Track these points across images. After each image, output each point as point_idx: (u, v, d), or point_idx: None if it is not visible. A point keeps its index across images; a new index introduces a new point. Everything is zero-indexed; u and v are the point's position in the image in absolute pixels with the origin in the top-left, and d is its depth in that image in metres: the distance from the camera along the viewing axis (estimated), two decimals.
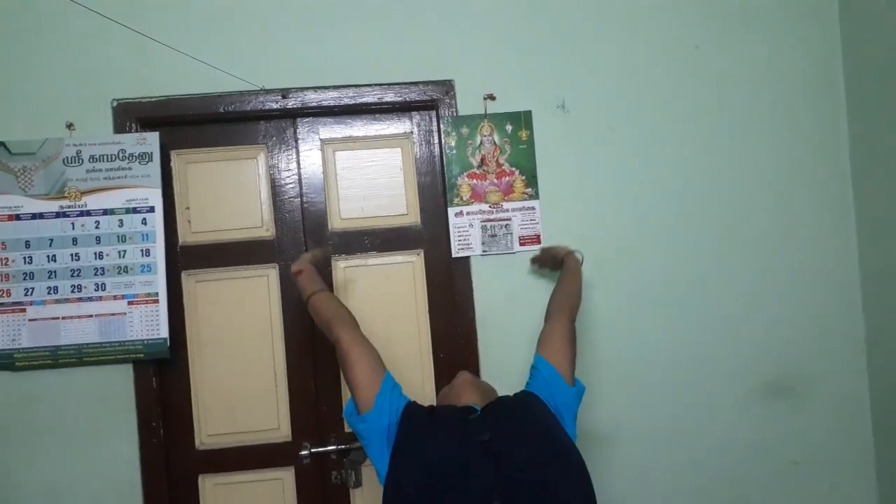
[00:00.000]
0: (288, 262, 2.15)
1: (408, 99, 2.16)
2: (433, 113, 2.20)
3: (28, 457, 2.03)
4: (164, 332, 2.04)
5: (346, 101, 2.14)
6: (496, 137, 2.16)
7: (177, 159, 2.16)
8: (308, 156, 2.20)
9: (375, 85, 2.15)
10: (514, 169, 2.17)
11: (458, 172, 2.15)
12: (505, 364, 2.12)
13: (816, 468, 2.25)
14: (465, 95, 2.16)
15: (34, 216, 2.03)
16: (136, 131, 2.07)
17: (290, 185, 2.18)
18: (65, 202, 2.04)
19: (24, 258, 2.02)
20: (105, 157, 2.04)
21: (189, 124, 2.14)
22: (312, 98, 2.13)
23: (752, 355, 2.24)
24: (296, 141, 2.19)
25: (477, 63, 2.17)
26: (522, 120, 2.17)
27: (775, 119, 2.26)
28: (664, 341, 2.21)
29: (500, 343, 2.14)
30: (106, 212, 2.05)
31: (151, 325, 2.04)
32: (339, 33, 2.14)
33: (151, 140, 2.05)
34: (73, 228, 2.04)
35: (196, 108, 2.10)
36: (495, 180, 2.16)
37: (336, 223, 2.19)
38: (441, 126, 2.16)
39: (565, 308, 1.77)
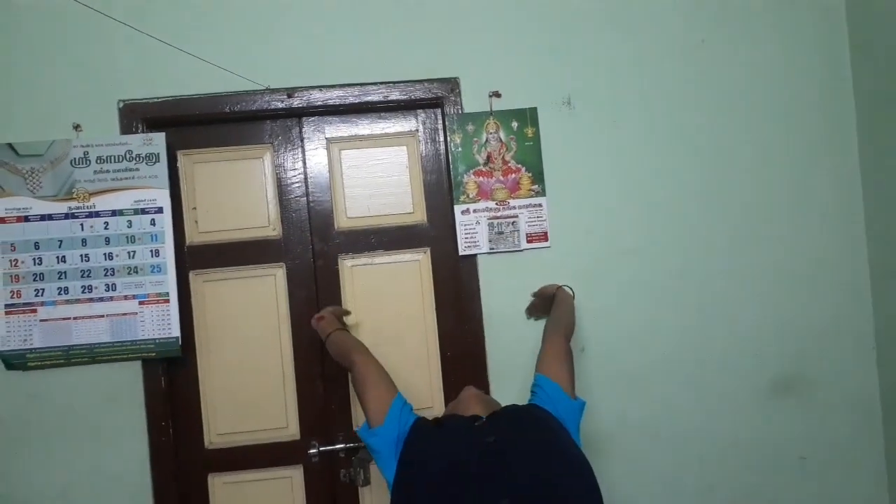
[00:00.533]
0: (295, 262, 2.17)
1: (413, 97, 2.15)
2: (438, 111, 2.20)
3: (40, 456, 2.05)
4: (175, 332, 2.05)
5: (352, 99, 2.14)
6: (502, 134, 2.15)
7: (183, 159, 2.17)
8: (314, 155, 2.20)
9: (380, 83, 2.14)
10: (520, 166, 2.16)
11: (464, 170, 2.15)
12: (512, 362, 2.12)
13: (825, 465, 2.24)
14: (471, 93, 2.16)
15: (43, 217, 2.04)
16: (143, 132, 2.08)
17: (297, 185, 2.19)
18: (73, 203, 2.05)
19: (34, 259, 2.04)
20: (112, 157, 2.05)
21: (195, 124, 2.15)
22: (318, 97, 2.13)
23: (762, 352, 2.23)
24: (301, 140, 2.20)
25: (482, 60, 2.16)
26: (528, 117, 2.16)
27: (783, 115, 2.24)
28: (672, 338, 2.20)
29: (508, 341, 2.14)
30: (114, 213, 2.06)
31: (163, 324, 2.05)
32: (343, 32, 2.14)
33: (158, 140, 2.06)
34: (82, 230, 2.05)
35: (202, 108, 2.11)
36: (501, 177, 2.16)
37: (342, 222, 2.20)
38: (446, 124, 2.15)
39: (560, 330, 1.82)
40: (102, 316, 2.05)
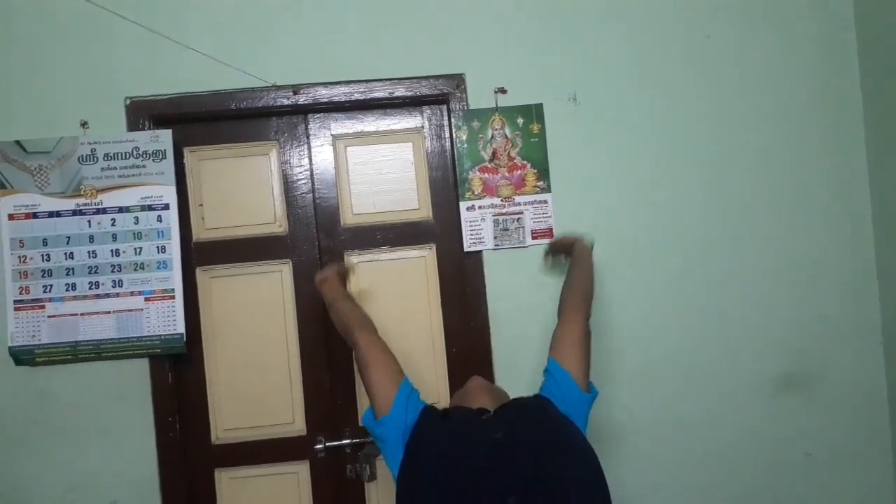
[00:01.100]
0: (301, 258, 2.17)
1: (418, 93, 2.15)
2: (444, 107, 2.20)
3: (47, 451, 2.06)
4: (180, 328, 2.06)
5: (357, 95, 2.14)
6: (507, 131, 2.16)
7: (190, 156, 2.18)
8: (320, 151, 2.20)
9: (386, 80, 2.15)
10: (525, 162, 2.16)
11: (470, 166, 2.15)
12: (518, 358, 2.12)
13: (831, 461, 2.24)
14: (476, 89, 2.16)
15: (51, 214, 2.05)
16: (150, 129, 2.09)
17: (303, 181, 2.19)
18: (81, 200, 2.06)
19: (42, 256, 2.05)
20: (119, 154, 2.06)
21: (201, 121, 2.16)
22: (323, 94, 2.13)
23: (768, 348, 2.23)
24: (307, 137, 2.20)
25: (487, 57, 2.17)
26: (534, 113, 2.16)
27: (789, 110, 2.23)
28: (677, 335, 2.21)
29: (513, 337, 2.14)
30: (121, 209, 2.07)
31: (168, 320, 2.06)
32: (349, 28, 2.14)
33: (164, 137, 2.07)
34: (90, 226, 2.06)
35: (208, 105, 2.12)
36: (507, 174, 2.16)
37: (348, 218, 2.20)
38: (452, 120, 2.15)
39: (578, 304, 1.72)
40: (109, 312, 2.06)
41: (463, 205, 2.15)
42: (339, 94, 2.14)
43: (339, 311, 1.80)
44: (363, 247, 2.20)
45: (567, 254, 2.01)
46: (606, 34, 2.19)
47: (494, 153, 2.15)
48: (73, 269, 2.06)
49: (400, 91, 2.15)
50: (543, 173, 2.16)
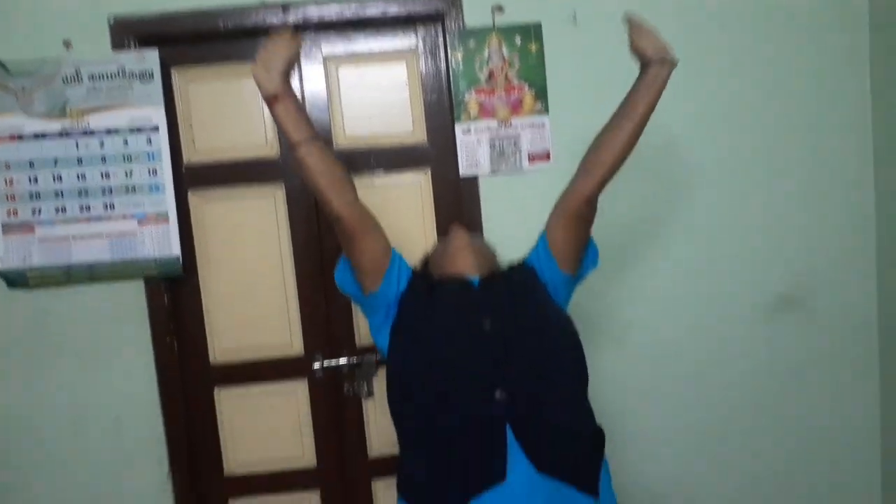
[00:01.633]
0: (294, 182, 2.14)
1: (412, 11, 2.08)
2: (439, 26, 2.13)
3: (48, 372, 2.10)
4: (176, 251, 2.06)
5: (349, 14, 2.07)
6: (505, 51, 2.10)
7: (178, 77, 2.12)
8: (311, 73, 2.15)
9: None
10: (523, 83, 2.12)
11: (466, 88, 2.11)
12: None
13: (822, 382, 2.30)
14: (473, 7, 2.08)
15: (37, 136, 2.01)
16: (135, 48, 2.02)
17: None
18: (67, 122, 2.01)
19: (30, 178, 2.02)
20: (105, 75, 1.99)
21: (189, 41, 2.09)
22: (314, 12, 2.06)
23: (763, 268, 2.25)
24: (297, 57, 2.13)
25: None
26: (532, 33, 2.10)
27: (799, 36, 2.17)
28: (677, 255, 2.22)
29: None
30: (109, 131, 2.02)
31: (163, 243, 2.06)
32: None
33: (151, 58, 2.00)
34: (78, 148, 2.02)
35: (195, 24, 2.04)
36: (504, 96, 2.12)
37: (341, 141, 2.17)
38: (447, 40, 2.09)
39: (597, 166, 1.45)
40: (101, 235, 2.05)
41: (458, 127, 2.11)
42: (330, 12, 2.06)
43: (311, 164, 1.38)
44: (356, 170, 2.16)
45: (642, 61, 1.50)
46: None
47: (491, 74, 2.11)
48: (62, 192, 2.03)
49: (393, 9, 2.08)
50: (541, 95, 2.12)
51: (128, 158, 2.04)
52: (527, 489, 1.29)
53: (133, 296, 2.10)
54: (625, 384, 2.25)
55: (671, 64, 1.45)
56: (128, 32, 2.02)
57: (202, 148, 2.15)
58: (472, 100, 2.11)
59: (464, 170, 2.13)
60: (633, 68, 2.19)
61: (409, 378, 1.42)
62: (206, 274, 2.18)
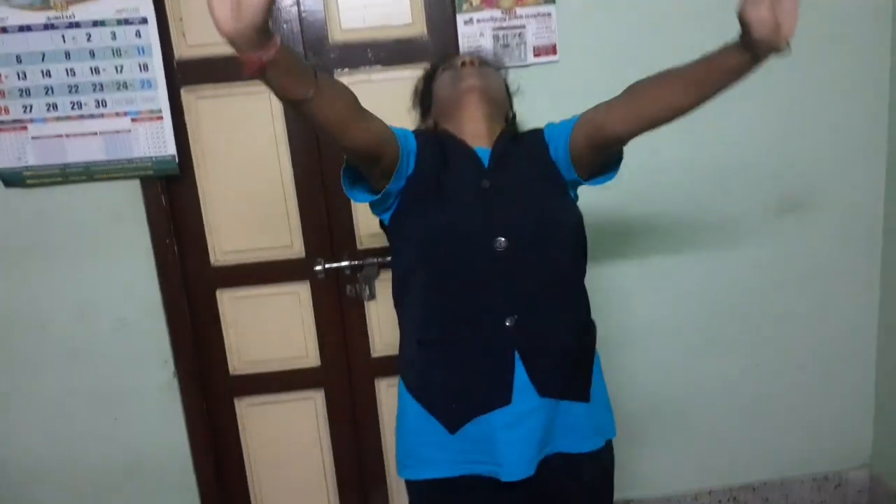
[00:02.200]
0: None
1: None
2: None
3: (49, 272, 2.09)
4: (171, 150, 2.02)
5: None
6: None
7: None
8: None
9: None
10: None
11: None
12: None
13: (823, 281, 2.28)
14: None
15: (21, 28, 1.93)
16: None
17: None
18: (51, 13, 1.93)
19: (18, 74, 1.95)
20: None
21: None
22: None
23: (768, 170, 2.19)
24: None
25: None
26: None
27: None
28: (682, 154, 2.15)
29: None
30: (96, 23, 1.94)
31: (158, 141, 2.01)
32: None
33: None
34: (65, 42, 1.95)
35: None
36: None
37: (336, 34, 2.07)
38: None
39: (643, 116, 1.23)
40: (95, 133, 2.00)
41: (460, 18, 2.01)
42: None
43: (323, 120, 1.10)
44: (353, 65, 2.09)
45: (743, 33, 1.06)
46: None
47: None
48: (51, 88, 1.97)
49: None
50: None
51: (117, 53, 1.97)
52: (528, 412, 1.32)
53: (131, 196, 2.07)
54: (627, 287, 2.22)
55: (777, 53, 1.06)
56: None
57: (194, 43, 2.06)
58: None
59: None
60: None
61: (413, 242, 1.34)
62: (202, 174, 2.13)
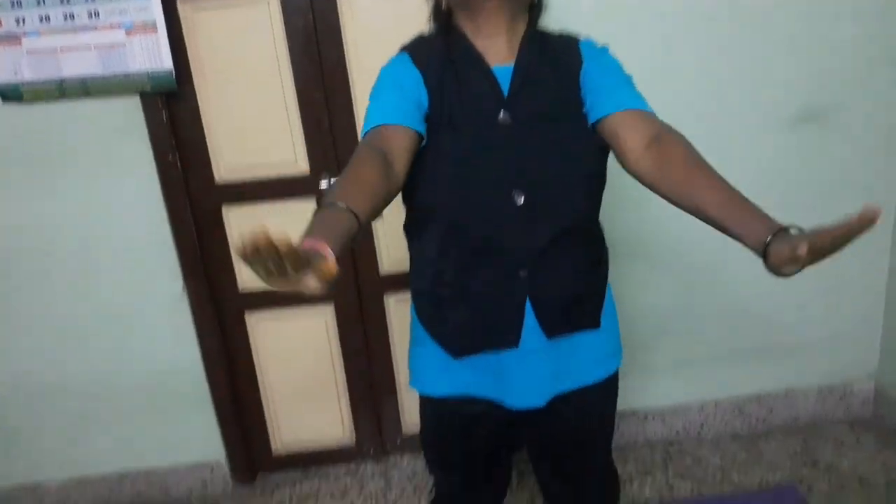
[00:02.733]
0: None
1: None
2: None
3: (52, 190, 2.08)
4: (167, 64, 1.97)
5: None
6: None
7: None
8: None
9: None
10: None
11: None
12: None
13: (839, 193, 2.23)
14: None
15: None
16: None
17: None
18: None
19: None
20: None
21: None
22: None
23: (788, 78, 2.11)
24: None
25: None
26: None
27: None
28: (696, 59, 2.08)
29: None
30: None
31: (153, 55, 1.96)
32: None
33: None
34: None
35: None
36: None
37: None
38: None
39: (655, 179, 1.15)
40: (90, 47, 1.95)
41: None
42: None
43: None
44: None
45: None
46: None
47: None
48: None
49: None
50: None
51: None
52: (536, 351, 1.31)
53: (132, 113, 2.04)
54: (640, 196, 2.18)
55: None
56: None
57: None
58: None
59: None
60: None
61: (427, 183, 1.25)
62: (202, 89, 2.09)
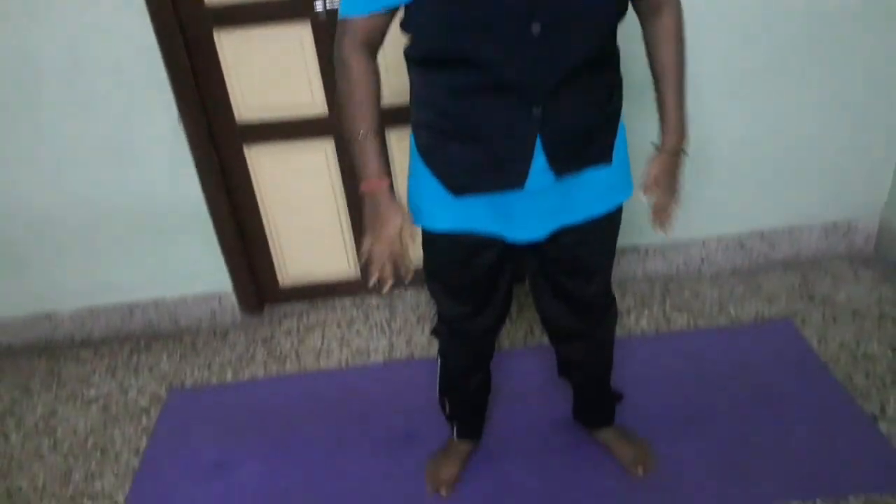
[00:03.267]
0: None
1: None
2: None
3: (36, 15, 1.96)
4: None
5: None
6: None
7: None
8: None
9: None
10: None
11: None
12: None
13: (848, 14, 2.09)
14: None
15: None
16: None
17: None
18: None
19: None
20: None
21: None
22: None
23: None
24: None
25: None
26: None
27: None
28: None
29: None
30: None
31: None
32: None
33: None
34: None
35: None
36: None
37: None
38: None
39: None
40: None
41: None
42: None
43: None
44: None
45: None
46: None
47: None
48: None
49: None
50: None
51: None
52: (541, 191, 1.28)
53: None
54: None
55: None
56: None
57: None
58: None
59: None
60: None
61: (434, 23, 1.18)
62: None
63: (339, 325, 2.48)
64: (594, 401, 1.84)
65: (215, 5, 2.05)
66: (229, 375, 2.31)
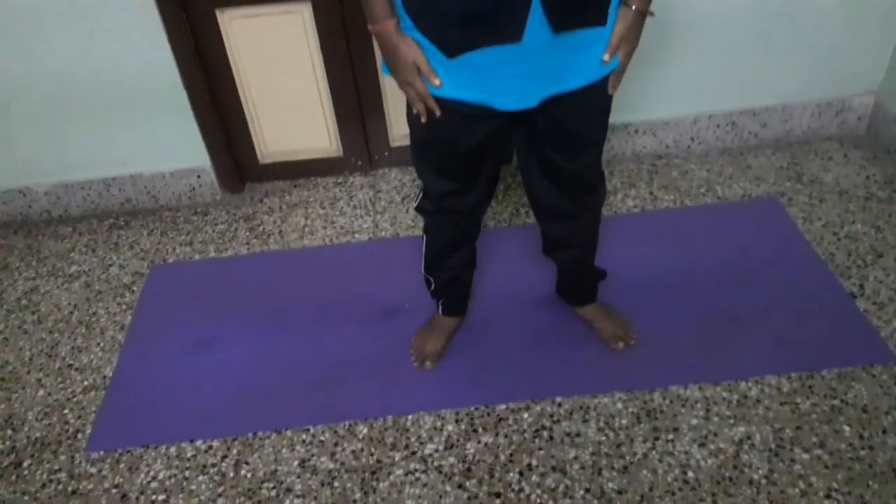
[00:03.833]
0: None
1: None
2: None
3: None
4: None
5: None
6: None
7: None
8: None
9: None
10: None
11: None
12: None
13: None
14: None
15: None
16: None
17: None
18: None
19: None
20: None
21: None
22: None
23: None
24: None
25: None
26: None
27: None
28: None
29: None
30: None
31: None
32: None
33: None
34: None
35: None
36: None
37: None
38: None
39: None
40: None
41: None
42: None
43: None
44: None
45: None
46: None
47: None
48: None
49: None
50: None
51: None
52: (537, 48, 1.21)
53: None
54: None
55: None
56: None
57: None
58: None
59: None
60: None
61: None
62: None
63: (322, 205, 2.44)
64: (578, 279, 1.85)
65: None
66: (212, 252, 2.29)
